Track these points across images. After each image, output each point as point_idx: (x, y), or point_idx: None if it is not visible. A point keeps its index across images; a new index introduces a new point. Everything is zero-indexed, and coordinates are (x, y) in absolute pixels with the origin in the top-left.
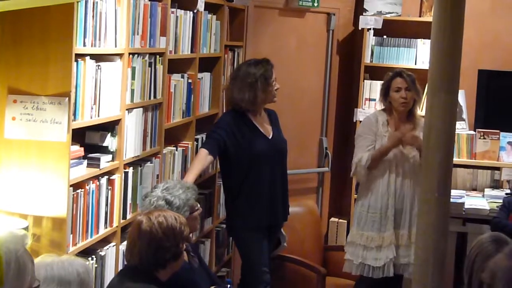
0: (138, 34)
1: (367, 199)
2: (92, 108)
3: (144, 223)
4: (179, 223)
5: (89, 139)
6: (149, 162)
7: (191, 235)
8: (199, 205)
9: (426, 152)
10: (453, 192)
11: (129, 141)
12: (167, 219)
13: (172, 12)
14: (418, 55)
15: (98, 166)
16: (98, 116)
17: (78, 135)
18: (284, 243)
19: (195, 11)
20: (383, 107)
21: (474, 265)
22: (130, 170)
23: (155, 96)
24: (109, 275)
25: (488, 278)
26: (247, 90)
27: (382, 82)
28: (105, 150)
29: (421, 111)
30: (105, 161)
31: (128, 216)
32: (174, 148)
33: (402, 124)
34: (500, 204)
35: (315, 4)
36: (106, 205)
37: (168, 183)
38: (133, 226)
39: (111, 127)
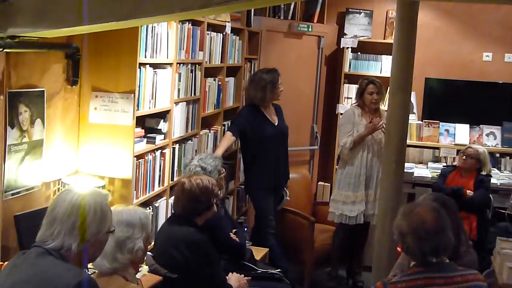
0: (183, 49)
1: (345, 169)
2: (150, 102)
3: (186, 183)
4: (211, 184)
5: (148, 124)
6: (190, 141)
7: (219, 192)
8: (224, 170)
9: (387, 136)
10: (406, 165)
11: (176, 125)
12: (203, 181)
13: (208, 34)
14: (383, 66)
15: (154, 142)
16: (155, 107)
17: (140, 121)
18: (286, 197)
19: (224, 33)
20: (357, 104)
21: None
22: (177, 146)
23: (195, 94)
24: (161, 220)
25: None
26: (260, 91)
27: (357, 86)
28: (159, 132)
29: (384, 106)
30: (159, 139)
31: (175, 179)
32: (208, 131)
33: (372, 116)
34: (439, 173)
35: (310, 29)
36: (160, 170)
37: (202, 155)
38: (178, 186)
39: (163, 115)
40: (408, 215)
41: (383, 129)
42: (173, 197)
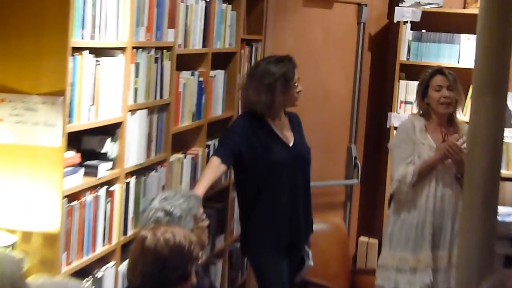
0: (143, 25)
1: (401, 215)
2: (90, 109)
3: (148, 239)
4: (188, 241)
5: (86, 144)
6: (154, 171)
7: (200, 254)
8: (205, 216)
9: (469, 163)
10: (501, 209)
11: (132, 147)
12: (175, 236)
13: (182, 1)
14: (462, 52)
15: (95, 174)
16: (97, 118)
17: (74, 140)
18: (309, 262)
19: (208, 0)
20: (419, 111)
21: None
22: (133, 180)
23: (161, 96)
24: None
25: None
26: (265, 91)
27: (419, 82)
28: (104, 157)
29: (464, 115)
30: (104, 169)
31: (130, 233)
32: (183, 155)
33: (444, 130)
34: None
35: None
36: (105, 219)
37: (166, 193)
38: (136, 243)
39: (111, 130)
40: None
41: (456, 151)
42: (126, 262)
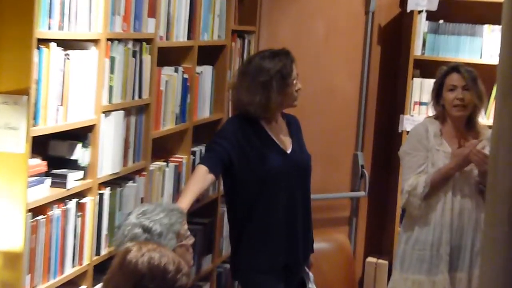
0: (119, 14)
1: (414, 233)
2: (58, 110)
3: (132, 252)
4: (176, 267)
5: (54, 151)
6: (131, 182)
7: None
8: (190, 233)
9: (493, 173)
10: None
11: (106, 153)
12: (162, 258)
13: None
14: (485, 46)
15: (64, 185)
16: (66, 120)
17: (40, 145)
18: (310, 285)
19: None
20: (435, 114)
21: None
22: (107, 192)
23: (140, 96)
24: None
25: None
26: (259, 91)
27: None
28: (74, 165)
29: (488, 119)
30: (74, 179)
31: (103, 252)
32: (165, 163)
33: (462, 135)
34: None
35: None
36: (75, 237)
37: (145, 206)
38: (119, 254)
39: (82, 135)
40: None
41: (483, 159)
42: (99, 286)
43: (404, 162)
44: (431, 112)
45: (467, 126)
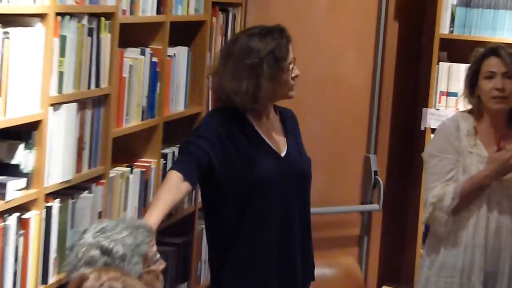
0: None
1: (440, 255)
2: None
3: (89, 281)
4: None
5: None
6: (86, 192)
7: None
8: (159, 257)
9: None
10: None
11: (55, 157)
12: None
13: None
14: None
15: (3, 196)
16: (5, 115)
17: None
18: None
19: None
20: (468, 107)
21: None
22: (56, 204)
23: (97, 85)
24: None
25: None
26: (246, 76)
27: (468, 66)
28: (15, 171)
29: None
30: (14, 188)
31: (51, 280)
32: (128, 169)
33: (498, 134)
34: None
35: None
36: (16, 260)
37: (104, 222)
38: (72, 282)
39: (25, 133)
40: None
41: None
42: None
43: (428, 166)
44: (462, 105)
45: (509, 124)
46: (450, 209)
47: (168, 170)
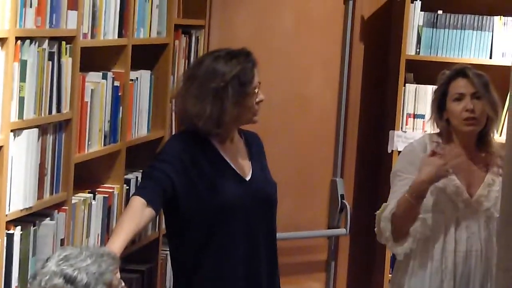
0: (31, 6)
1: (407, 282)
2: None
3: None
4: None
5: None
6: (48, 219)
7: None
8: (123, 284)
9: (506, 203)
10: None
11: (16, 183)
12: None
13: None
14: (495, 42)
15: None
16: None
17: None
18: None
19: None
20: (436, 130)
21: None
22: (17, 232)
23: (59, 110)
24: None
25: None
26: (210, 100)
27: (435, 87)
28: None
29: (499, 135)
30: None
31: None
32: (91, 195)
33: (469, 156)
34: None
35: None
36: None
37: (68, 250)
38: None
39: None
40: None
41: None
42: None
43: (392, 185)
44: (429, 127)
45: (479, 145)
46: (388, 218)
47: (131, 196)
